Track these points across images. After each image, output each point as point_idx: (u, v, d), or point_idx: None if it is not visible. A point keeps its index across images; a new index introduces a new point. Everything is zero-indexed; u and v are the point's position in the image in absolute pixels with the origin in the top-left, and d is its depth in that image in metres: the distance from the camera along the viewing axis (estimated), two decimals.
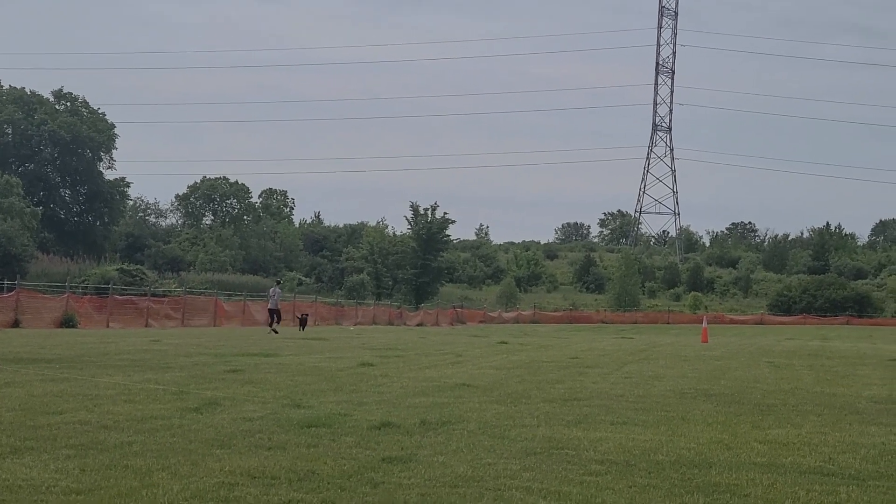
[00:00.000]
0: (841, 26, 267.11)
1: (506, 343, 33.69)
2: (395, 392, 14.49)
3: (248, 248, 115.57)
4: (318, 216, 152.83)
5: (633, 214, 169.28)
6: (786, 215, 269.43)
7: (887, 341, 45.91)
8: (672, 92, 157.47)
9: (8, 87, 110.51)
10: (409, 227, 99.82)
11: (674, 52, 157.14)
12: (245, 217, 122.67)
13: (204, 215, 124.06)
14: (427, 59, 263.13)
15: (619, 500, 7.34)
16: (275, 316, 40.97)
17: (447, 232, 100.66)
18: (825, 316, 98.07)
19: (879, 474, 8.77)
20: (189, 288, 61.09)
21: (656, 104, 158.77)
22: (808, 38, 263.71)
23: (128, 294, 50.68)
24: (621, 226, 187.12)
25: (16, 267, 73.32)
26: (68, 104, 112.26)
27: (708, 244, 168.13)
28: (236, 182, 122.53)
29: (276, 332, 37.02)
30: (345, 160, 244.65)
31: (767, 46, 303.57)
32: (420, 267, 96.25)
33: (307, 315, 46.83)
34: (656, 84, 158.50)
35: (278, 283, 52.73)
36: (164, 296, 54.49)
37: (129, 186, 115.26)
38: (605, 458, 9.07)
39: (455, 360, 22.78)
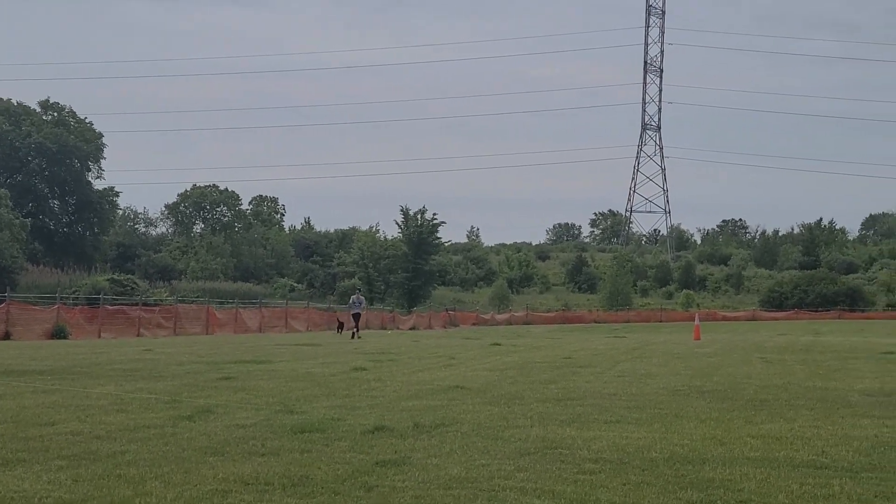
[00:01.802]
0: (822, 21, 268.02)
1: (499, 345, 33.68)
2: (388, 396, 14.48)
3: (240, 255, 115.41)
4: (308, 222, 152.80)
5: (623, 214, 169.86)
6: (776, 212, 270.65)
7: (879, 334, 45.96)
8: (661, 90, 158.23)
9: None
10: (400, 230, 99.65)
11: (662, 51, 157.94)
12: (236, 224, 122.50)
13: (194, 223, 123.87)
14: (415, 61, 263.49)
15: (614, 498, 7.33)
16: (356, 321, 44.95)
17: (438, 234, 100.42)
18: (817, 311, 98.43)
19: (872, 466, 8.79)
20: (180, 297, 61.01)
21: (645, 103, 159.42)
22: (793, 34, 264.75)
23: (119, 304, 50.57)
24: (612, 225, 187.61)
25: (6, 279, 73.09)
26: (55, 114, 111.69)
27: (699, 242, 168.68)
28: (226, 189, 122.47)
29: (360, 337, 41.78)
30: (335, 165, 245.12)
31: (753, 43, 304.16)
32: (412, 270, 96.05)
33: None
34: (645, 83, 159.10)
35: (359, 290, 54.64)
36: (156, 305, 54.41)
37: (118, 196, 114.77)
38: (598, 457, 9.07)
39: (448, 363, 22.77)
